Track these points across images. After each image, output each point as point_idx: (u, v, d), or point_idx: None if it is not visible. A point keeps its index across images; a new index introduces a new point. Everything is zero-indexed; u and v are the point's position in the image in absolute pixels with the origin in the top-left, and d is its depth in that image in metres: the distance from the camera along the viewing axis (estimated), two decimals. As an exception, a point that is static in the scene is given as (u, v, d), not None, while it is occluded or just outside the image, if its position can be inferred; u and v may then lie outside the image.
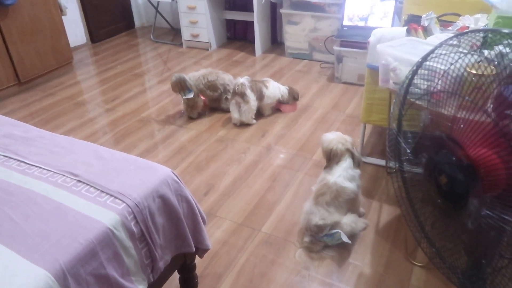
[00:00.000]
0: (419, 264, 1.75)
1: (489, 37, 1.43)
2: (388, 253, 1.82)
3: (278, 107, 3.08)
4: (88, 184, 1.29)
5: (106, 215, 1.17)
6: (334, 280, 1.70)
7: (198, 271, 1.69)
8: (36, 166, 1.39)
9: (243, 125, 2.89)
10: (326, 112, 3.03)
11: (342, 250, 1.84)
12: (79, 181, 1.31)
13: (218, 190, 2.26)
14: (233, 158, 2.53)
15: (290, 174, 2.36)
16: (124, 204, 1.22)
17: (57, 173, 1.35)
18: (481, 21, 1.97)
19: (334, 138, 1.89)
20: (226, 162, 2.50)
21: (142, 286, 1.27)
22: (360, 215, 1.97)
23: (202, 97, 2.97)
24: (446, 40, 1.38)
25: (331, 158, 1.86)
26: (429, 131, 1.45)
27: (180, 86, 2.85)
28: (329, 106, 3.12)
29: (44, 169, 1.37)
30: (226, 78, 3.03)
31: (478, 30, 1.42)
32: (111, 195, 1.25)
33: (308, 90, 3.38)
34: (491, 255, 1.33)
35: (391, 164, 1.74)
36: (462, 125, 1.26)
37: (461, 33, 1.34)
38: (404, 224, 1.88)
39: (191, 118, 3.00)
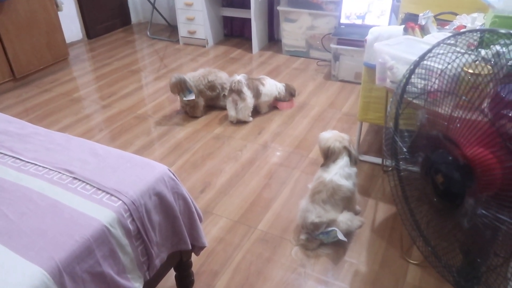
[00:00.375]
0: (415, 262, 1.76)
1: (486, 37, 1.44)
2: (384, 251, 1.83)
3: (275, 105, 3.08)
4: (84, 181, 1.29)
5: (102, 213, 1.17)
6: (330, 277, 1.71)
7: (194, 268, 1.68)
8: (32, 163, 1.38)
9: (240, 122, 2.89)
10: (323, 110, 3.03)
11: (338, 248, 1.84)
12: (75, 178, 1.30)
13: (215, 188, 2.25)
14: (229, 156, 2.53)
15: (286, 172, 2.37)
16: (120, 201, 1.22)
17: (52, 170, 1.34)
18: (478, 20, 1.98)
19: (331, 136, 1.89)
20: (222, 159, 2.50)
21: (138, 283, 1.27)
22: (356, 213, 1.98)
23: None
24: (443, 40, 1.38)
25: (329, 156, 1.87)
26: (426, 130, 1.45)
27: (180, 87, 2.81)
28: (325, 104, 3.12)
29: (40, 166, 1.36)
30: (223, 76, 3.02)
31: (475, 30, 1.42)
32: (107, 193, 1.24)
33: (304, 88, 3.38)
34: (486, 254, 1.34)
35: (388, 162, 1.75)
36: (458, 125, 1.27)
37: (458, 33, 1.35)
38: (400, 223, 1.89)
39: (195, 117, 2.97)
